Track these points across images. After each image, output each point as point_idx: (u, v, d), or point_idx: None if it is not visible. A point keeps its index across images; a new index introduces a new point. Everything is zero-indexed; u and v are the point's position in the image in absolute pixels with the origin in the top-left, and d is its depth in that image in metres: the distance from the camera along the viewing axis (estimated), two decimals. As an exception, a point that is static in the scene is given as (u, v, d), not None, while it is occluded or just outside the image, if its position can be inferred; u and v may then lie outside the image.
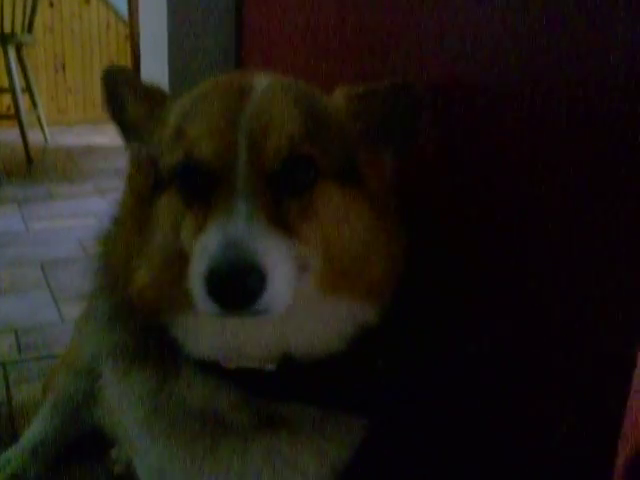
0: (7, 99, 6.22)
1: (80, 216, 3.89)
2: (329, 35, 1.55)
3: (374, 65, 1.38)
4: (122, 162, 3.86)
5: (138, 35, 5.27)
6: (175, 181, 0.96)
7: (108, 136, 6.38)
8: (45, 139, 5.98)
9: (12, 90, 5.24)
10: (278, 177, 0.92)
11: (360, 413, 1.08)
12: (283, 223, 0.89)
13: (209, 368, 1.02)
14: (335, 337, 1.02)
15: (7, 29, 5.45)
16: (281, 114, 0.94)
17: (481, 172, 1.12)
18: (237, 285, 0.81)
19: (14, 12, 5.38)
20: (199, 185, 0.93)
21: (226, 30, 1.99)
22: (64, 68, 7.00)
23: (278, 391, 1.03)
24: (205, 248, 0.85)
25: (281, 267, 0.85)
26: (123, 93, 1.10)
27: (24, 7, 5.44)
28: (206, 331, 1.00)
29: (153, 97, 1.09)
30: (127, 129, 1.12)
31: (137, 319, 1.05)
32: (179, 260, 0.94)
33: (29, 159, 5.21)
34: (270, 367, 1.01)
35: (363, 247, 0.99)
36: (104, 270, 1.15)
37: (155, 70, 2.12)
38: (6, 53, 5.17)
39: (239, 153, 0.91)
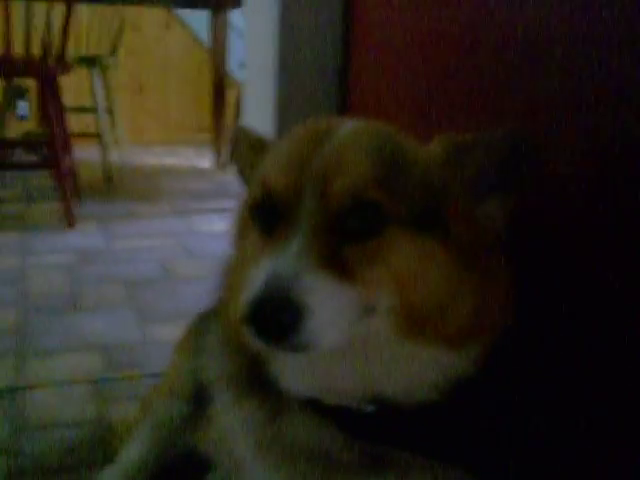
0: (87, 118, 6.42)
1: (160, 236, 3.97)
2: (440, 81, 1.55)
3: (487, 112, 1.38)
4: (197, 184, 3.97)
5: (221, 61, 5.39)
6: (254, 216, 1.01)
7: (183, 157, 6.52)
8: (123, 159, 6.14)
9: (96, 110, 5.40)
10: (342, 220, 0.93)
11: (460, 465, 1.06)
12: (341, 265, 0.90)
13: (311, 404, 1.03)
14: (424, 384, 1.01)
15: (93, 52, 5.65)
16: (351, 158, 0.95)
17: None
18: (269, 318, 0.83)
19: (100, 36, 5.58)
20: (270, 220, 0.96)
21: (332, 80, 2.01)
22: (143, 90, 7.19)
23: (378, 434, 1.02)
24: (252, 280, 0.89)
25: (327, 306, 0.86)
26: (241, 147, 1.19)
27: (109, 31, 5.63)
28: (293, 367, 1.02)
29: (259, 147, 1.15)
30: (243, 177, 1.22)
31: (244, 350, 1.07)
32: None
33: (109, 178, 5.35)
34: (369, 408, 1.01)
35: (444, 296, 0.97)
36: (221, 299, 1.18)
37: (260, 121, 2.16)
38: (92, 75, 5.34)
39: (305, 193, 0.93)
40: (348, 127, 1.01)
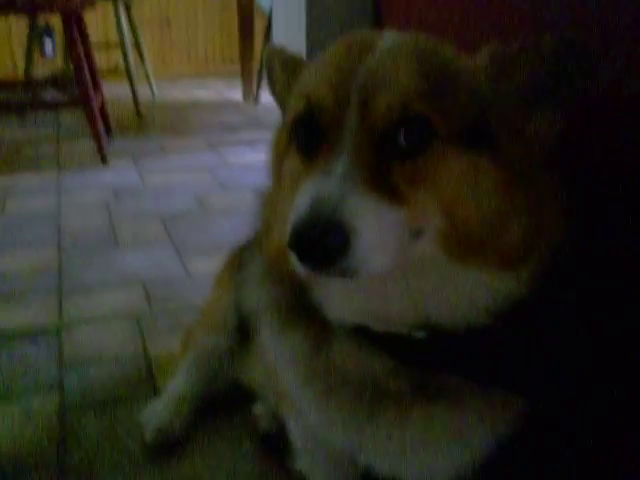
0: (115, 55, 6.36)
1: (193, 170, 3.95)
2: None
3: (525, 18, 1.30)
4: (228, 116, 3.93)
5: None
6: (295, 136, 0.95)
7: (213, 90, 6.44)
8: (153, 93, 6.08)
9: (122, 45, 5.33)
10: (388, 137, 0.87)
11: (516, 390, 1.03)
12: (387, 185, 0.84)
13: (359, 331, 1.00)
14: (477, 308, 0.96)
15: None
16: (397, 70, 0.88)
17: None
18: (315, 242, 0.78)
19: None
20: (311, 137, 0.91)
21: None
22: (169, 24, 7.07)
23: (430, 360, 0.99)
24: (296, 204, 0.83)
25: (375, 228, 0.81)
26: (274, 68, 1.13)
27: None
28: (340, 294, 0.98)
29: (294, 66, 1.09)
30: (278, 100, 1.15)
31: (286, 279, 1.04)
32: None
33: (139, 113, 5.31)
34: (420, 334, 0.97)
35: (494, 214, 0.92)
36: (261, 228, 1.15)
37: (291, 39, 2.09)
38: (117, 10, 5.25)
39: (350, 107, 0.87)
40: (390, 39, 0.95)
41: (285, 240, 0.86)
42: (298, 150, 0.94)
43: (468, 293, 0.95)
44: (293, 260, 0.83)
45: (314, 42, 1.94)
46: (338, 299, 0.99)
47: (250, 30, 5.65)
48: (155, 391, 1.79)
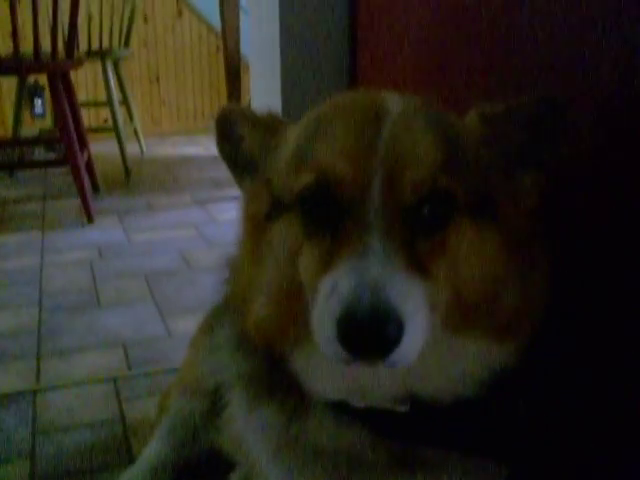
0: (104, 112, 6.39)
1: (180, 227, 3.92)
2: (451, 47, 1.47)
3: (502, 78, 1.29)
4: (216, 172, 3.90)
5: (234, 45, 5.31)
6: (296, 206, 0.88)
7: (201, 146, 6.46)
8: (141, 150, 6.10)
9: (110, 103, 5.36)
10: (413, 212, 0.83)
11: (498, 460, 0.98)
12: (417, 262, 0.80)
13: (338, 406, 0.95)
14: (467, 380, 0.93)
15: (105, 45, 5.61)
16: (421, 142, 0.85)
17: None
18: (375, 333, 0.72)
19: (112, 28, 5.53)
20: (325, 213, 0.85)
21: (340, 50, 1.93)
22: (158, 80, 7.14)
23: (411, 433, 0.94)
24: (336, 288, 0.77)
25: (421, 312, 0.78)
26: (237, 129, 1.04)
27: (121, 23, 5.58)
28: (326, 369, 0.93)
29: (268, 126, 1.03)
30: (241, 165, 1.06)
31: (261, 351, 0.99)
32: (296, 293, 0.88)
33: (127, 171, 5.31)
34: (403, 408, 0.93)
35: (494, 283, 0.89)
36: (229, 295, 1.10)
37: (267, 98, 2.08)
38: (105, 68, 5.29)
39: (374, 182, 0.82)
40: (400, 105, 0.90)
41: (263, 314, 0.85)
42: (300, 220, 0.88)
43: (461, 365, 0.92)
44: (326, 344, 0.77)
45: (289, 102, 1.93)
46: (322, 374, 0.94)
47: (238, 86, 5.68)
48: (131, 459, 1.73)
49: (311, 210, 0.87)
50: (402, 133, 0.86)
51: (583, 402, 1.06)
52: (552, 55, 1.17)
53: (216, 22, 6.71)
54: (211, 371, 1.38)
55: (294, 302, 0.89)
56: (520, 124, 0.95)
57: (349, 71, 1.96)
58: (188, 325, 2.52)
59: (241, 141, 1.05)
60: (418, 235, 0.83)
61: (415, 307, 0.77)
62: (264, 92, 2.09)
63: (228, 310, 1.12)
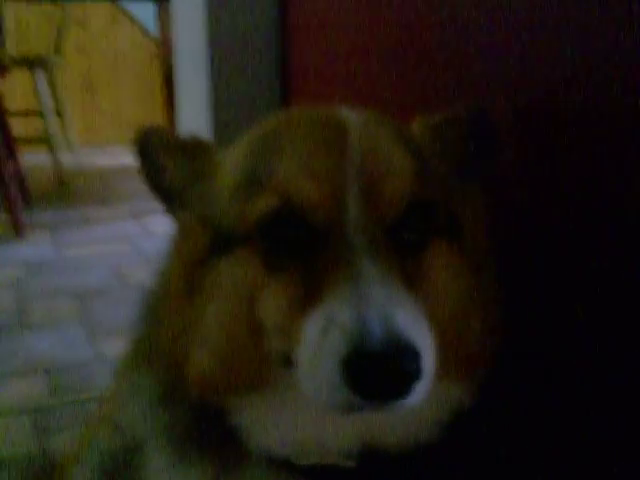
0: (37, 122, 6.19)
1: (115, 241, 3.78)
2: (383, 64, 1.41)
3: (435, 90, 1.24)
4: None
5: (170, 53, 5.19)
6: (254, 238, 0.78)
7: (140, 156, 6.31)
8: (76, 161, 5.92)
9: (41, 112, 5.18)
10: (395, 229, 0.76)
11: None
12: (410, 287, 0.72)
13: (277, 463, 0.86)
14: (428, 424, 0.85)
15: (34, 52, 5.41)
16: (393, 152, 0.78)
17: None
18: (393, 370, 0.64)
19: (42, 35, 5.35)
20: (294, 240, 0.76)
21: (270, 68, 1.85)
22: (93, 88, 6.95)
23: None
24: (335, 322, 0.67)
25: (428, 343, 0.69)
26: (159, 159, 0.93)
27: (52, 29, 5.41)
28: (277, 421, 0.84)
29: (194, 152, 0.92)
30: (168, 195, 0.95)
31: (192, 401, 0.88)
32: (254, 338, 0.79)
33: (61, 182, 5.13)
34: (349, 464, 0.84)
35: (461, 314, 0.82)
36: (149, 343, 1.00)
37: (194, 119, 1.99)
38: (34, 75, 5.10)
39: (349, 198, 0.74)
40: (359, 117, 0.83)
41: (211, 363, 0.79)
42: (258, 253, 0.78)
43: (422, 409, 0.79)
44: (328, 391, 0.67)
45: (220, 122, 1.84)
46: (269, 428, 0.85)
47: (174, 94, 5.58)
48: (52, 498, 1.61)
49: (276, 240, 0.77)
50: (371, 145, 0.79)
51: (539, 442, 1.01)
52: (480, 65, 1.12)
53: (152, 28, 6.60)
54: (129, 422, 1.27)
55: (250, 349, 0.80)
56: (459, 133, 0.90)
57: (281, 92, 1.89)
58: (118, 347, 2.40)
59: (163, 172, 0.94)
60: (404, 255, 0.76)
61: (425, 335, 0.69)
62: (192, 110, 2.00)
63: (144, 355, 1.01)
